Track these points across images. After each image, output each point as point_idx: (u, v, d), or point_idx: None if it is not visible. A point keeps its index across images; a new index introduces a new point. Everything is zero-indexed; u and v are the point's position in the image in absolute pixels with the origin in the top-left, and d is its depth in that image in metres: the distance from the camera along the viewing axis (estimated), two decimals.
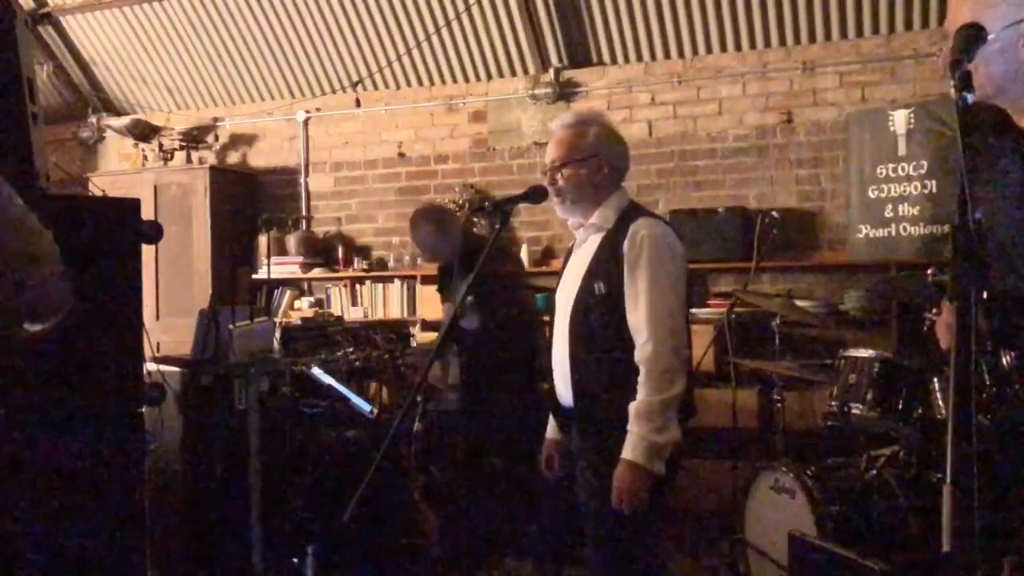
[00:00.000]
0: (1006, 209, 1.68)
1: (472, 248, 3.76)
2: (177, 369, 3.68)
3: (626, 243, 2.36)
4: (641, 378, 2.28)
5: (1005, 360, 1.62)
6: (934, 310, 1.90)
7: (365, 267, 5.92)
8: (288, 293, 6.04)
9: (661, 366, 2.27)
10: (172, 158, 6.27)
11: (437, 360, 3.86)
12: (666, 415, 2.26)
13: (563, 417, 2.58)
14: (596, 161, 2.49)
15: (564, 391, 2.50)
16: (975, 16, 1.64)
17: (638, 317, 2.32)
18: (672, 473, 2.45)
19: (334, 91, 6.11)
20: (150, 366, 3.22)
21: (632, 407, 2.27)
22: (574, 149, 2.49)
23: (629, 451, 2.25)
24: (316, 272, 5.97)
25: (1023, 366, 1.61)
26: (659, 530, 2.51)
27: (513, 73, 5.71)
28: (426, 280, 5.65)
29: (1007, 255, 1.66)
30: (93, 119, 6.68)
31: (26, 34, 2.22)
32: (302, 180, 6.26)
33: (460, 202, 5.64)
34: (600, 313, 2.38)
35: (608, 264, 2.39)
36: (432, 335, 5.35)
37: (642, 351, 2.30)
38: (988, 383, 1.60)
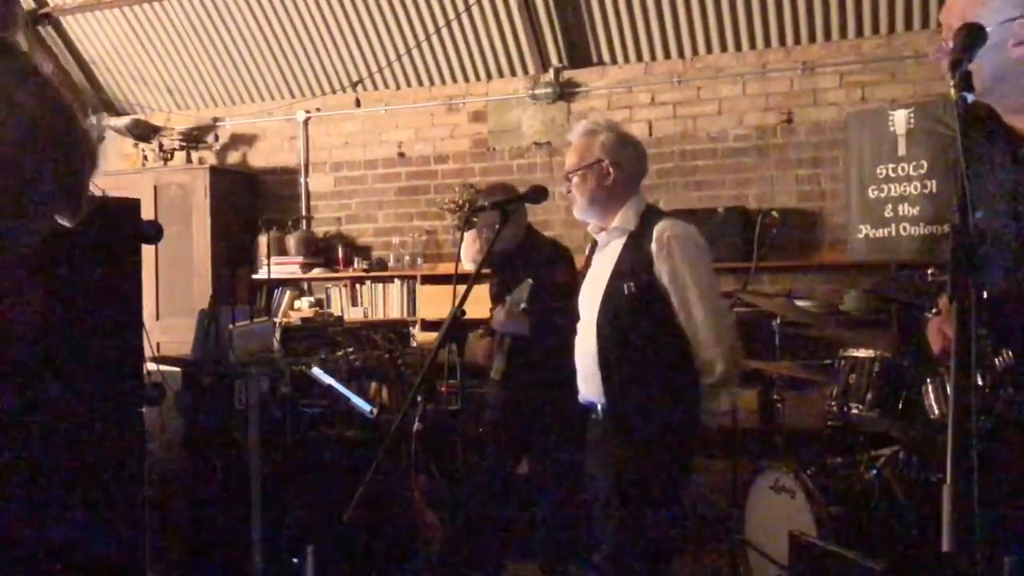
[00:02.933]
0: (998, 208, 1.69)
1: (533, 243, 3.71)
2: (177, 369, 3.68)
3: (653, 244, 2.47)
4: (704, 382, 2.47)
5: (998, 361, 1.62)
6: (934, 310, 1.90)
7: (365, 267, 5.92)
8: (288, 293, 6.04)
9: (721, 378, 2.48)
10: (172, 158, 6.26)
11: (485, 338, 3.84)
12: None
13: (582, 412, 2.66)
14: (600, 166, 2.58)
15: (586, 387, 2.60)
16: (970, 9, 1.63)
17: (694, 326, 2.47)
18: (687, 472, 2.59)
19: (334, 91, 6.11)
20: (150, 366, 3.22)
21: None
22: (584, 156, 2.61)
23: None
24: (316, 272, 5.97)
25: (1017, 367, 1.61)
26: (673, 524, 2.59)
27: (513, 73, 5.71)
28: (426, 280, 5.65)
29: (999, 255, 1.66)
30: (93, 119, 6.67)
31: (26, 34, 2.22)
32: (302, 180, 6.26)
33: (460, 202, 5.64)
34: (630, 313, 2.48)
35: (635, 265, 2.49)
36: (432, 335, 5.34)
37: (707, 365, 2.47)
38: (982, 384, 1.61)
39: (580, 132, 2.67)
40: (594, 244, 2.73)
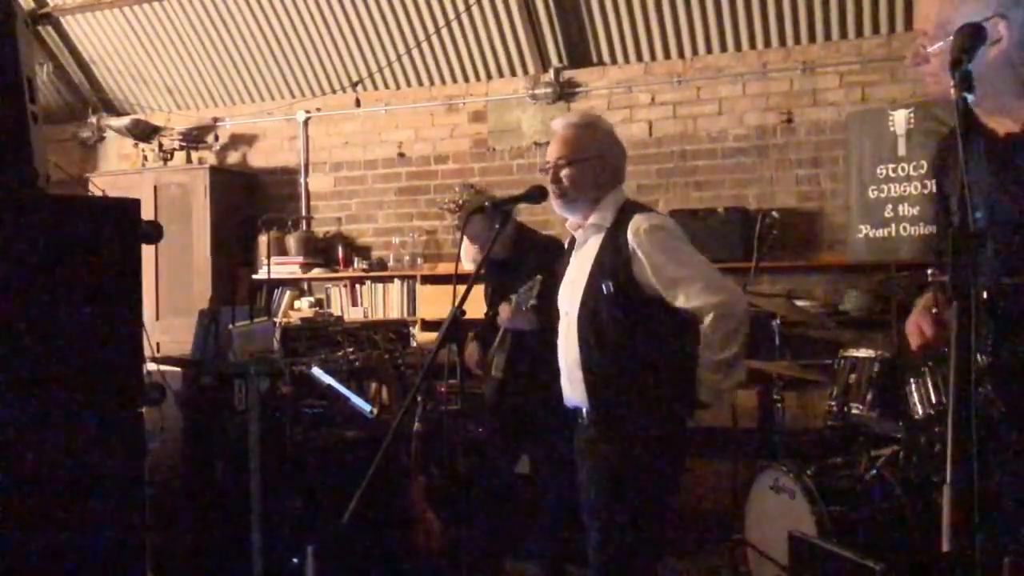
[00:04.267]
0: (975, 209, 1.69)
1: (527, 243, 3.69)
2: (177, 369, 3.68)
3: (631, 240, 2.40)
4: (714, 335, 2.36)
5: (979, 359, 1.63)
6: (934, 309, 1.90)
7: (365, 267, 5.92)
8: (288, 293, 6.04)
9: (735, 323, 2.37)
10: (172, 158, 6.26)
11: (475, 343, 3.83)
12: (735, 365, 2.40)
13: (569, 414, 2.61)
14: (600, 161, 2.53)
15: (571, 390, 2.54)
16: (943, 13, 1.65)
17: (694, 295, 2.36)
18: (677, 476, 2.51)
19: (334, 91, 6.11)
20: (150, 366, 3.22)
21: (704, 363, 2.38)
22: (579, 148, 2.53)
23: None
24: (316, 272, 5.97)
25: (993, 366, 1.62)
26: (662, 529, 2.56)
27: (513, 73, 5.71)
28: (426, 280, 5.65)
29: (978, 255, 1.67)
30: (93, 119, 6.68)
31: (26, 34, 2.22)
32: (302, 180, 6.26)
33: (460, 202, 5.64)
34: (611, 312, 2.41)
35: (614, 262, 2.43)
36: (432, 335, 5.34)
37: (717, 313, 2.35)
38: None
39: (572, 122, 2.59)
40: (571, 241, 2.67)
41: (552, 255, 3.52)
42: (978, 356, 1.61)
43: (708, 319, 2.38)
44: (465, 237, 3.63)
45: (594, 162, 2.52)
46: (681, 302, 2.39)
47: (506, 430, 3.63)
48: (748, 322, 2.43)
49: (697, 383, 2.42)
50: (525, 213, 5.47)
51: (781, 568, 3.11)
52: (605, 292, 2.41)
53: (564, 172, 2.51)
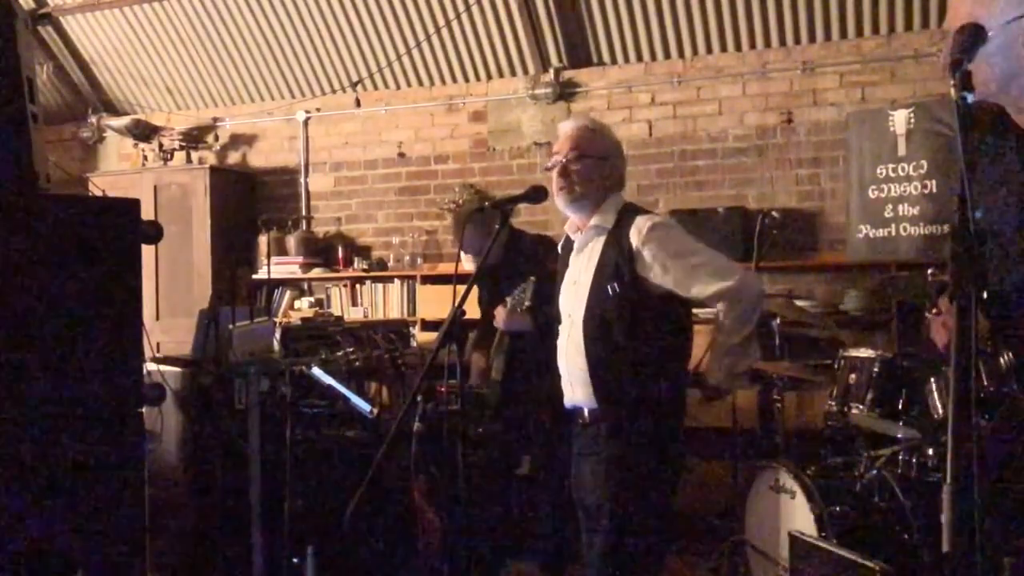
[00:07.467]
0: (1007, 209, 1.68)
1: (520, 245, 3.69)
2: (177, 369, 3.68)
3: (634, 239, 2.43)
4: (728, 319, 2.42)
5: (1002, 360, 1.62)
6: (933, 310, 1.90)
7: (365, 267, 5.92)
8: (288, 293, 6.04)
9: (748, 304, 2.44)
10: (172, 158, 6.27)
11: (476, 351, 3.83)
12: (748, 347, 2.48)
13: (567, 416, 2.62)
14: (608, 163, 2.57)
15: (573, 392, 2.55)
16: (975, 11, 1.61)
17: (705, 284, 2.41)
18: (678, 472, 2.52)
19: (334, 91, 6.11)
20: (150, 366, 3.22)
21: (720, 347, 2.47)
22: (590, 146, 2.56)
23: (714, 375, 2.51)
24: (316, 272, 5.97)
25: (1021, 366, 1.61)
26: (664, 526, 2.57)
27: (513, 73, 5.71)
28: (426, 280, 5.65)
29: (1007, 255, 1.66)
30: (93, 119, 6.68)
31: (26, 34, 2.23)
32: (302, 180, 6.26)
33: (460, 202, 5.64)
34: (616, 313, 2.43)
35: (618, 263, 2.45)
36: (432, 335, 5.34)
37: (729, 297, 2.41)
38: (986, 383, 1.60)
39: (583, 124, 2.62)
40: (567, 244, 2.68)
41: (543, 254, 3.52)
42: (1005, 356, 1.61)
43: (721, 305, 2.43)
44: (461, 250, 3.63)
45: (603, 162, 2.55)
46: (695, 293, 2.43)
47: (507, 432, 3.63)
48: (761, 302, 2.49)
49: (711, 367, 2.48)
50: (526, 213, 5.49)
51: (781, 568, 3.11)
52: (610, 293, 2.43)
53: (574, 167, 2.53)
